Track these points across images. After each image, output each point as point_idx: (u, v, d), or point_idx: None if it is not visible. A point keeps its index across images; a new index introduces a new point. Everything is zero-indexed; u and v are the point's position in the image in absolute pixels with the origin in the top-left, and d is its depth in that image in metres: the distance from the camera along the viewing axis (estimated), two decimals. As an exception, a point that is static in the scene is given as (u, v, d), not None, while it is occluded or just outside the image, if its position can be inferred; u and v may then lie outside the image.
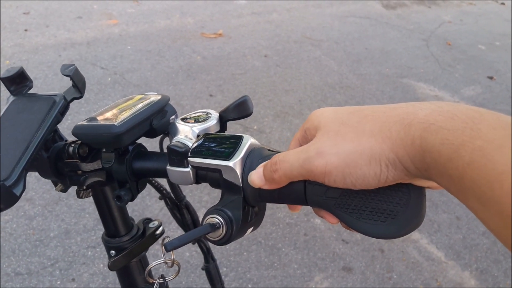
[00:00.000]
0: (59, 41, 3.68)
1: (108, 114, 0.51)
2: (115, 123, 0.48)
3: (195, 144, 0.46)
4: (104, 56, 3.53)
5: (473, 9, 6.47)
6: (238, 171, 0.41)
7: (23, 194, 0.44)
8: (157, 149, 0.59)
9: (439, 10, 6.16)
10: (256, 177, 0.40)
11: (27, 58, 3.34)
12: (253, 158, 0.42)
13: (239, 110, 0.52)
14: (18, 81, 0.52)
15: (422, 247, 2.19)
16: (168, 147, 0.47)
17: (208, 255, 0.78)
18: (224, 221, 0.41)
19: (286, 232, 2.15)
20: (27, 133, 0.47)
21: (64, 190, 0.56)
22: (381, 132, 0.33)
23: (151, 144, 0.52)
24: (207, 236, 0.42)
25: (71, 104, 0.51)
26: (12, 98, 0.52)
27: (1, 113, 0.51)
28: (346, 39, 4.61)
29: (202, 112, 0.54)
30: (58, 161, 0.54)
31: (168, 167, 0.48)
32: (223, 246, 2.02)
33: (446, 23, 5.65)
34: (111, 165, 0.52)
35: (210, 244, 0.77)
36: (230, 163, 0.41)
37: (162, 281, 0.62)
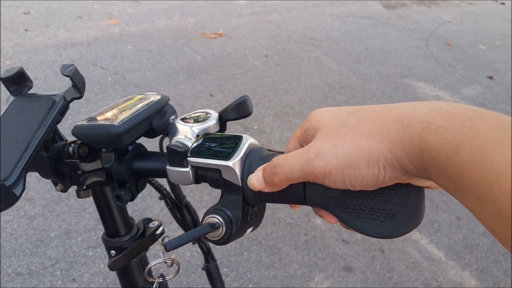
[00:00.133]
0: (60, 41, 3.68)
1: (108, 114, 0.51)
2: (115, 123, 0.48)
3: (195, 144, 0.46)
4: (104, 56, 3.53)
5: (473, 9, 6.47)
6: (238, 171, 0.41)
7: (24, 194, 0.44)
8: (157, 149, 0.59)
9: (439, 10, 6.16)
10: (256, 181, 0.39)
11: (28, 58, 3.34)
12: (253, 158, 0.42)
13: (239, 110, 0.52)
14: (18, 81, 0.52)
15: (422, 247, 2.19)
16: (167, 147, 0.47)
17: (208, 255, 0.78)
18: (223, 221, 0.41)
19: (286, 232, 2.15)
20: (27, 133, 0.47)
21: (64, 190, 0.56)
22: (380, 132, 0.33)
23: (151, 144, 0.52)
24: (206, 236, 0.42)
25: (71, 104, 0.51)
26: (12, 98, 0.52)
27: (1, 113, 0.51)
28: (346, 39, 4.61)
29: (202, 112, 0.54)
30: (58, 161, 0.54)
31: (168, 167, 0.48)
32: (223, 246, 2.02)
33: (446, 23, 5.65)
34: (111, 165, 0.52)
35: (211, 244, 0.77)
36: (229, 163, 0.41)
37: (162, 280, 0.63)
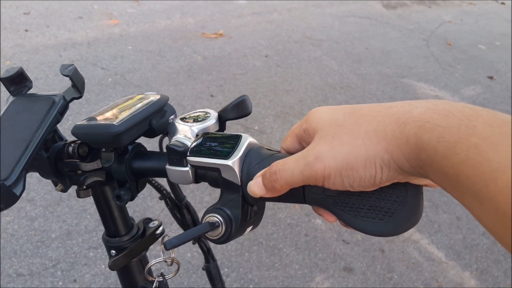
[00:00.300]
0: (60, 41, 3.68)
1: (108, 114, 0.52)
2: (115, 123, 0.48)
3: (194, 144, 0.46)
4: (104, 57, 3.53)
5: (473, 9, 6.47)
6: (237, 170, 0.41)
7: (24, 195, 0.44)
8: (157, 149, 0.59)
9: (439, 10, 6.16)
10: (256, 188, 0.39)
11: (28, 59, 3.34)
12: (252, 158, 0.42)
13: (238, 109, 0.52)
14: (18, 82, 0.52)
15: (422, 247, 2.19)
16: (167, 147, 0.47)
17: (208, 255, 0.78)
18: (223, 220, 0.42)
19: (287, 232, 2.15)
20: (26, 133, 0.47)
21: (64, 190, 0.57)
22: (376, 133, 0.33)
23: (151, 145, 0.52)
24: (206, 234, 0.42)
25: (71, 105, 0.51)
26: (11, 98, 0.52)
27: (1, 113, 0.51)
28: (347, 39, 4.61)
29: (201, 111, 0.54)
30: (58, 161, 0.54)
31: (168, 166, 0.48)
32: (224, 247, 2.02)
33: (446, 23, 5.65)
34: (111, 164, 0.52)
35: (211, 244, 0.77)
36: (229, 162, 0.41)
37: (162, 279, 0.63)
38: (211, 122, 0.52)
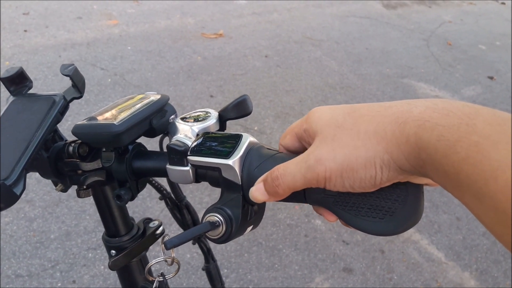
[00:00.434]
0: (59, 42, 3.68)
1: (108, 114, 0.51)
2: (115, 122, 0.48)
3: (195, 143, 0.46)
4: (104, 57, 3.53)
5: (474, 9, 6.47)
6: (238, 169, 0.41)
7: (24, 196, 0.44)
8: (157, 149, 0.59)
9: (439, 10, 6.17)
10: (259, 194, 0.40)
11: (27, 59, 3.34)
12: (252, 157, 0.42)
13: (239, 109, 0.52)
14: (18, 81, 0.52)
15: (422, 248, 2.19)
16: (167, 146, 0.47)
17: (208, 256, 0.78)
18: (223, 219, 0.42)
19: (286, 233, 2.15)
20: (27, 133, 0.47)
21: (64, 190, 0.56)
22: (376, 133, 0.33)
23: (151, 145, 0.52)
24: (206, 234, 0.42)
25: (71, 105, 0.51)
26: (12, 98, 0.52)
27: (1, 113, 0.51)
28: (347, 39, 4.61)
29: (202, 111, 0.54)
30: (58, 160, 0.54)
31: (168, 166, 0.48)
32: (223, 247, 2.02)
33: (446, 23, 5.65)
34: (111, 164, 0.52)
35: (211, 245, 0.77)
36: (229, 162, 0.41)
37: (162, 279, 0.63)
38: (212, 121, 0.52)
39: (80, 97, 0.51)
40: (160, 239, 0.65)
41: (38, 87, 3.01)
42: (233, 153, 0.42)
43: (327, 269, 1.99)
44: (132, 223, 0.66)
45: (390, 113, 0.33)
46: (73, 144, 0.53)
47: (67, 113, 0.52)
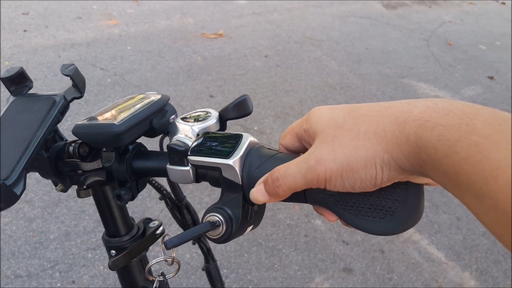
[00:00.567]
0: (59, 42, 3.68)
1: (108, 114, 0.51)
2: (115, 122, 0.48)
3: (195, 143, 0.46)
4: (104, 57, 3.53)
5: (474, 9, 6.47)
6: (238, 169, 0.41)
7: (23, 196, 0.44)
8: (157, 149, 0.59)
9: (439, 10, 6.17)
10: (259, 195, 0.40)
11: (27, 59, 3.34)
12: (252, 157, 0.42)
13: (239, 109, 0.52)
14: (18, 81, 0.52)
15: (422, 248, 2.19)
16: (168, 146, 0.47)
17: (208, 256, 0.78)
18: (224, 219, 0.41)
19: (286, 233, 2.15)
20: (27, 133, 0.47)
21: (65, 190, 0.56)
22: (376, 134, 0.33)
23: (151, 145, 0.52)
24: (207, 234, 0.42)
25: (71, 105, 0.51)
26: (12, 98, 0.52)
27: (1, 113, 0.51)
28: (347, 39, 4.61)
29: (202, 111, 0.54)
30: (58, 160, 0.54)
31: (168, 166, 0.48)
32: (223, 247, 2.02)
33: (446, 23, 5.65)
34: (111, 164, 0.52)
35: (211, 245, 0.77)
36: (229, 161, 0.41)
37: (162, 279, 0.63)
38: (212, 121, 0.51)
39: (81, 97, 0.51)
40: (160, 239, 0.65)
41: (38, 87, 3.01)
42: (234, 153, 0.42)
43: (327, 269, 1.99)
44: (132, 223, 0.66)
45: (390, 113, 0.33)
46: (73, 144, 0.53)
47: (67, 113, 0.52)
